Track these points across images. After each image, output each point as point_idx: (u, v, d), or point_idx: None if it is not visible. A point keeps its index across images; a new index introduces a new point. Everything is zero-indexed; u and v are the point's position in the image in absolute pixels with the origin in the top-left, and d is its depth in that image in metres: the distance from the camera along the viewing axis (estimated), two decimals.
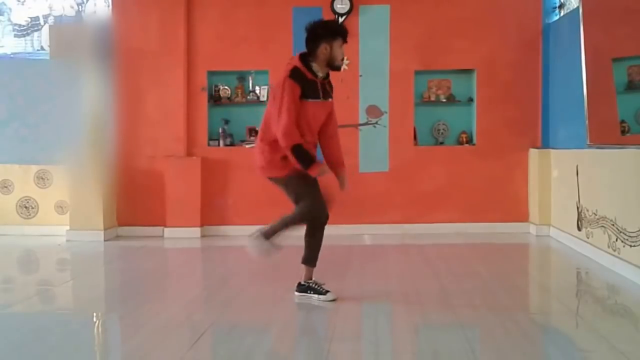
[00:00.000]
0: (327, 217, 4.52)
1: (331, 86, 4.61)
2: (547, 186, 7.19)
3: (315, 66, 4.45)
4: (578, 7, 5.92)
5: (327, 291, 4.53)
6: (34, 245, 7.26)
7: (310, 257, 4.58)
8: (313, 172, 4.37)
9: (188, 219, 7.52)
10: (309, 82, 4.40)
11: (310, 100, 4.39)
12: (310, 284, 4.58)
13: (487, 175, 7.53)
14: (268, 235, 4.51)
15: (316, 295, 4.52)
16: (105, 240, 7.30)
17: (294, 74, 4.37)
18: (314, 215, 4.47)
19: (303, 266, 4.61)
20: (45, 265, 6.68)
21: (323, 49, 4.41)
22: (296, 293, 4.61)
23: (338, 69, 4.55)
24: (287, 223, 4.51)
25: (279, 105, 4.33)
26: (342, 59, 4.53)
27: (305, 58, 4.46)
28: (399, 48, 7.58)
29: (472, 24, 7.54)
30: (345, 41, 4.48)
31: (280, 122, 4.31)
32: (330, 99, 4.55)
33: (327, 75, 4.54)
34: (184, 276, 5.96)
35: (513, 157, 7.53)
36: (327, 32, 4.44)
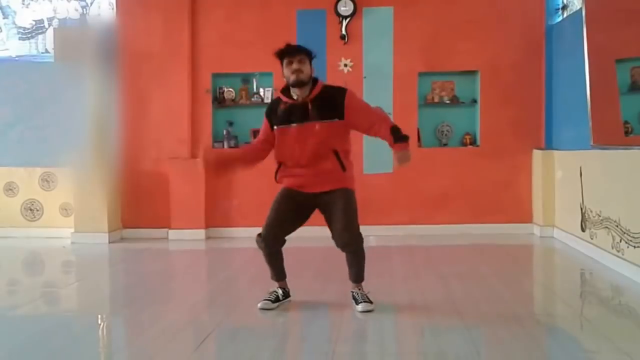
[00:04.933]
0: (268, 242, 4.45)
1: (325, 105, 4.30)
2: (551, 187, 7.19)
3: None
4: (581, 9, 5.92)
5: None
6: (39, 248, 7.29)
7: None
8: None
9: (192, 221, 7.54)
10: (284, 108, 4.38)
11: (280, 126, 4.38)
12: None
13: (491, 177, 7.54)
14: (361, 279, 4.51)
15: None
16: (109, 243, 7.33)
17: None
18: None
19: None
20: (50, 267, 6.70)
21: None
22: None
23: (294, 85, 4.29)
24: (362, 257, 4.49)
25: None
26: (295, 72, 4.24)
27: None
28: (402, 50, 7.59)
29: (475, 26, 7.55)
30: (288, 57, 4.28)
31: None
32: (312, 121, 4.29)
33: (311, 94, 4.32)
34: (189, 278, 5.98)
35: (517, 159, 7.54)
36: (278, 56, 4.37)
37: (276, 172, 4.50)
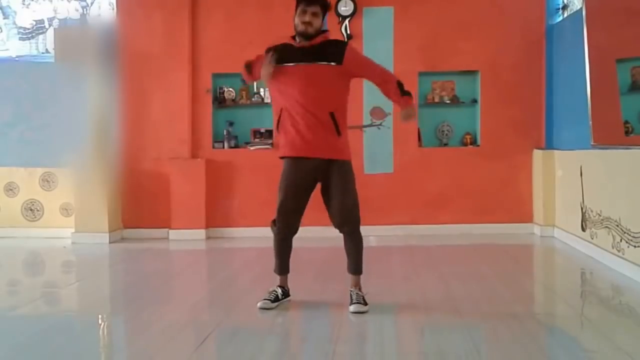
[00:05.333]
0: (281, 229, 4.50)
1: (328, 49, 4.38)
2: (551, 187, 7.19)
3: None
4: (581, 8, 5.92)
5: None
6: (39, 248, 7.29)
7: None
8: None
9: (193, 220, 7.54)
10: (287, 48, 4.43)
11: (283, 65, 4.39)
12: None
13: (491, 177, 7.54)
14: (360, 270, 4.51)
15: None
16: (110, 243, 7.33)
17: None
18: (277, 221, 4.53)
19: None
20: (50, 267, 6.70)
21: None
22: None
23: (300, 35, 4.37)
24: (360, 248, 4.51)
25: None
26: (304, 23, 4.31)
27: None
28: (402, 50, 7.58)
29: (475, 26, 7.55)
30: (304, 6, 4.33)
31: None
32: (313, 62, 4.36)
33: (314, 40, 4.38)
34: (189, 278, 5.98)
35: (517, 158, 7.54)
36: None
37: (278, 122, 4.46)
